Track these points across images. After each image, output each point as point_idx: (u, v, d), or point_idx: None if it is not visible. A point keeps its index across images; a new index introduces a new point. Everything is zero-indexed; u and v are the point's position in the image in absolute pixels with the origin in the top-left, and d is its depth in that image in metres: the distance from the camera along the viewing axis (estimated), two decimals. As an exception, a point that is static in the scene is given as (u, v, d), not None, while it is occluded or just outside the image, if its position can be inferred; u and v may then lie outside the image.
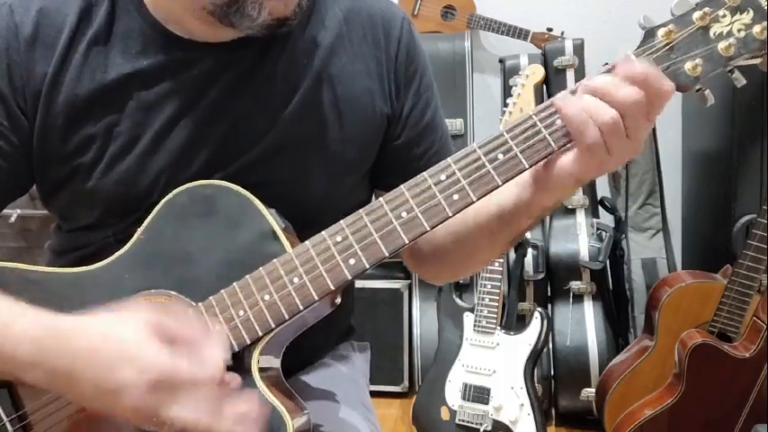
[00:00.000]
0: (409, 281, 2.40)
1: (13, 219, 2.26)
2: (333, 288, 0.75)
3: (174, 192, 0.82)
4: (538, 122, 0.72)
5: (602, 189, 2.42)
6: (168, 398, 0.67)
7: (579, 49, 2.31)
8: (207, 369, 0.69)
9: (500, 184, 0.72)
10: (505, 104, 1.94)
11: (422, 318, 2.40)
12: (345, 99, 0.90)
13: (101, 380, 0.68)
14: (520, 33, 2.54)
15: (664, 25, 0.69)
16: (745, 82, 0.70)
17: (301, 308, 0.75)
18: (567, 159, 0.71)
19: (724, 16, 0.68)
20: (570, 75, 2.30)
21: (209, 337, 0.72)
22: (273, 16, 0.80)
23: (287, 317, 0.75)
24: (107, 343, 0.69)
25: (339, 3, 0.93)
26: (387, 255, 0.74)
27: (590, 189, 2.30)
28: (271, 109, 0.88)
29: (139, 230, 0.82)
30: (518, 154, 0.72)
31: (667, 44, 0.69)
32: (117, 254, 0.83)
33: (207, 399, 0.68)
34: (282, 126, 0.88)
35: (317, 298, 0.75)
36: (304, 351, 1.02)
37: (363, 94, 0.91)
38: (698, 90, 0.70)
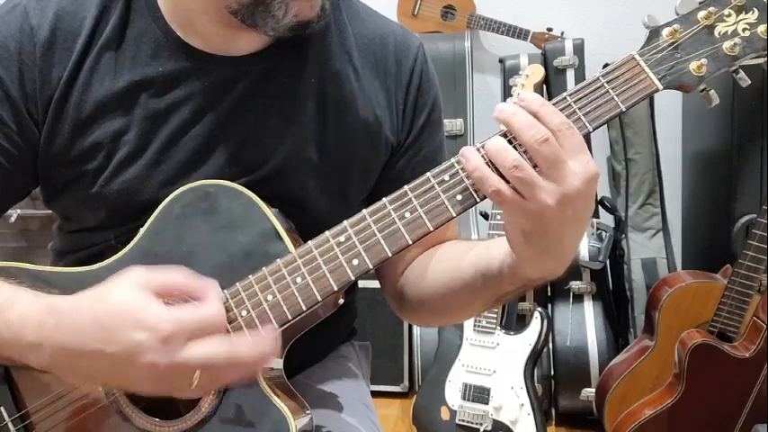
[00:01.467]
0: (409, 281, 2.40)
1: (13, 219, 2.26)
2: (336, 289, 0.74)
3: (177, 191, 0.81)
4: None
5: (602, 189, 2.42)
6: (181, 344, 0.67)
7: (579, 49, 2.32)
8: (209, 307, 0.69)
9: None
10: (506, 104, 1.94)
11: (422, 318, 2.40)
12: (351, 125, 0.90)
13: (111, 348, 0.68)
14: (520, 33, 2.54)
15: (668, 25, 0.69)
16: (749, 82, 0.69)
17: (304, 308, 0.75)
18: (505, 221, 0.71)
19: (729, 15, 0.68)
20: (570, 75, 2.31)
21: (198, 280, 0.72)
22: (299, 17, 0.79)
23: (290, 317, 0.75)
24: (109, 313, 0.69)
25: (354, 28, 0.92)
26: (390, 255, 0.73)
27: (590, 189, 2.30)
28: (277, 129, 0.87)
29: (142, 230, 0.82)
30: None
31: (672, 44, 0.69)
32: (120, 253, 0.82)
33: (219, 332, 0.69)
34: (287, 146, 0.87)
35: (320, 298, 0.75)
36: (306, 353, 1.02)
37: (369, 120, 0.91)
38: (702, 90, 0.70)
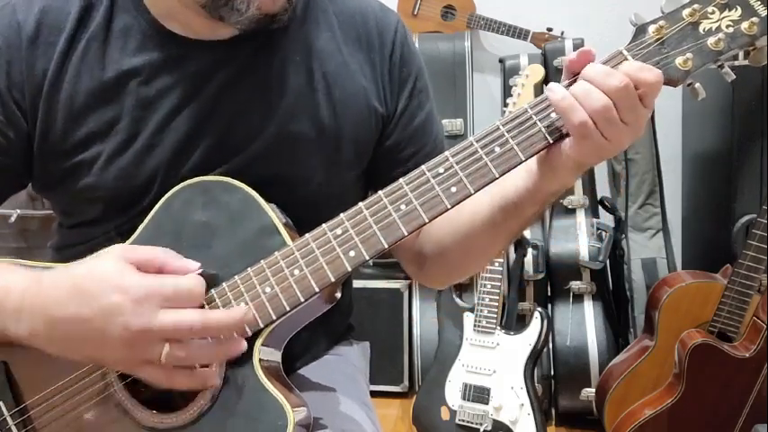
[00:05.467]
0: (409, 281, 2.41)
1: (12, 219, 2.25)
2: (333, 280, 0.75)
3: (177, 187, 0.83)
4: (533, 116, 0.73)
5: (602, 189, 2.42)
6: (156, 308, 0.71)
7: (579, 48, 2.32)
8: (185, 279, 0.73)
9: (497, 176, 0.73)
10: (505, 104, 1.95)
11: (422, 318, 2.40)
12: (339, 98, 0.92)
13: (87, 311, 0.71)
14: (520, 33, 2.54)
15: (654, 22, 0.71)
16: (734, 77, 0.71)
17: (302, 299, 0.76)
18: (566, 143, 0.73)
19: (713, 13, 0.70)
20: (570, 75, 2.31)
21: (179, 259, 0.76)
22: (262, 11, 0.82)
23: (288, 308, 0.76)
24: (89, 279, 0.73)
25: (334, 5, 0.95)
26: (386, 247, 0.75)
27: (590, 189, 2.30)
28: (266, 106, 0.89)
29: (142, 225, 0.83)
30: (514, 146, 0.73)
31: (658, 39, 0.71)
32: None
33: (192, 304, 0.73)
34: (278, 124, 0.89)
35: (317, 289, 0.76)
36: (303, 350, 1.02)
37: (357, 93, 0.93)
38: (689, 84, 0.72)
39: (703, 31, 0.70)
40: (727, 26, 0.69)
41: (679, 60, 0.70)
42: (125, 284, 0.71)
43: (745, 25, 0.68)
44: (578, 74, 0.72)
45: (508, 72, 2.35)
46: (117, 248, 0.75)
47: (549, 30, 2.52)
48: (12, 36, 0.86)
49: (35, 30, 0.86)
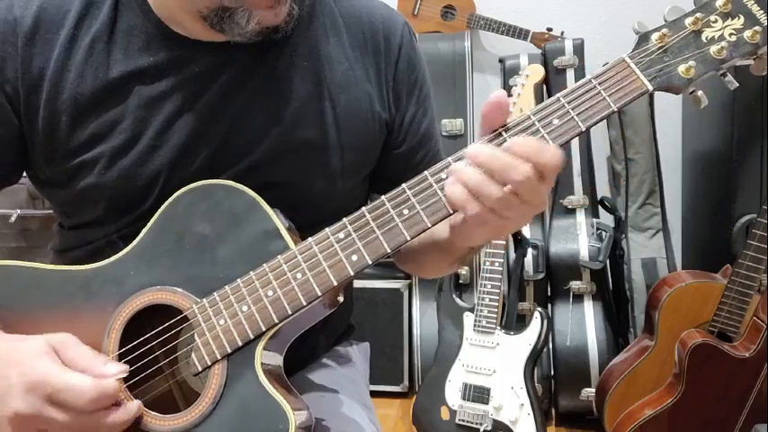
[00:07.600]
0: (409, 281, 2.41)
1: (13, 219, 2.25)
2: (335, 284, 0.75)
3: (179, 191, 0.82)
4: (536, 122, 0.73)
5: (602, 189, 2.42)
6: (45, 401, 0.71)
7: (579, 49, 2.32)
8: (83, 382, 0.72)
9: None
10: (506, 105, 1.94)
11: (422, 318, 2.41)
12: (344, 104, 0.92)
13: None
14: (520, 33, 2.54)
15: (657, 30, 0.71)
16: (737, 85, 0.71)
17: (305, 303, 0.76)
18: (466, 224, 0.74)
19: (716, 21, 0.70)
20: (570, 75, 2.31)
21: (103, 367, 0.76)
22: (262, 25, 0.83)
23: (290, 312, 0.76)
24: (5, 351, 0.74)
25: (340, 7, 0.95)
26: (389, 251, 0.75)
27: (590, 189, 2.31)
28: (270, 110, 0.89)
29: (145, 228, 0.83)
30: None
31: (661, 47, 0.71)
32: (123, 251, 0.83)
33: (77, 403, 0.72)
34: (282, 128, 0.89)
35: (320, 293, 0.76)
36: (303, 350, 1.02)
37: (362, 99, 0.93)
38: (691, 92, 0.72)
39: (706, 39, 0.70)
40: (731, 35, 0.69)
41: (681, 68, 0.70)
42: (24, 365, 0.72)
43: (748, 34, 0.69)
44: (498, 128, 0.72)
45: (508, 72, 2.35)
46: (56, 336, 0.76)
47: (549, 30, 2.52)
48: (7, 31, 0.85)
49: (33, 27, 0.86)
